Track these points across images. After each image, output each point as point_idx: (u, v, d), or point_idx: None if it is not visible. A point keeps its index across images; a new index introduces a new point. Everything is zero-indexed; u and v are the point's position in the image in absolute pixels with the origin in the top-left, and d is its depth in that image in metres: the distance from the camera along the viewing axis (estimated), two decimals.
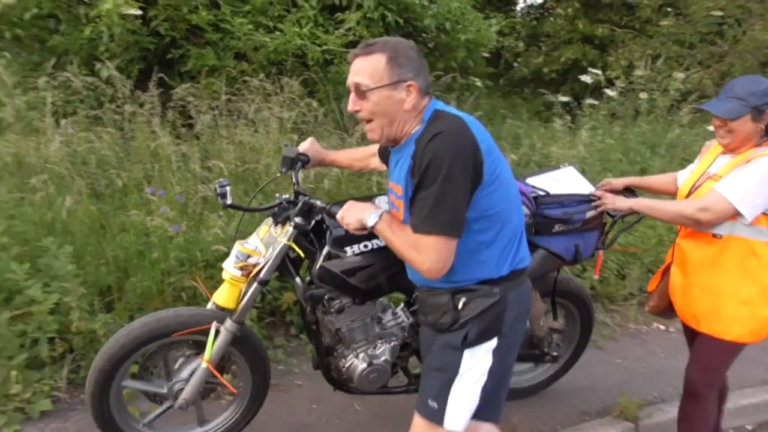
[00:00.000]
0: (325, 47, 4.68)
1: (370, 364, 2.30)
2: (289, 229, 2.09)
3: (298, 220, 2.08)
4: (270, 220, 2.20)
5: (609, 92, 6.13)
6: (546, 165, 4.62)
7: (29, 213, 3.07)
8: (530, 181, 2.50)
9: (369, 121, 1.70)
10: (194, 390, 2.19)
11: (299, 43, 4.60)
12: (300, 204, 2.09)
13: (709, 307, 2.18)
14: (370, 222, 1.71)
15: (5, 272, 2.74)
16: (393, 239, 1.68)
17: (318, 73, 4.67)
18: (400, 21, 5.07)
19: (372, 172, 2.66)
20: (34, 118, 3.82)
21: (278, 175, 2.29)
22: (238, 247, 2.11)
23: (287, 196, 2.20)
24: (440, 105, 1.72)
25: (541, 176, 2.57)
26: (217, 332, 2.13)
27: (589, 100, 5.99)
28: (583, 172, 2.64)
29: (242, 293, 2.15)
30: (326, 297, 2.24)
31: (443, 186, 1.54)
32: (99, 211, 3.30)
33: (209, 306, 2.21)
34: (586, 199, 2.41)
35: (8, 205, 3.07)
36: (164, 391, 2.23)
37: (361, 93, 1.65)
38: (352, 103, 1.70)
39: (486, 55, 6.43)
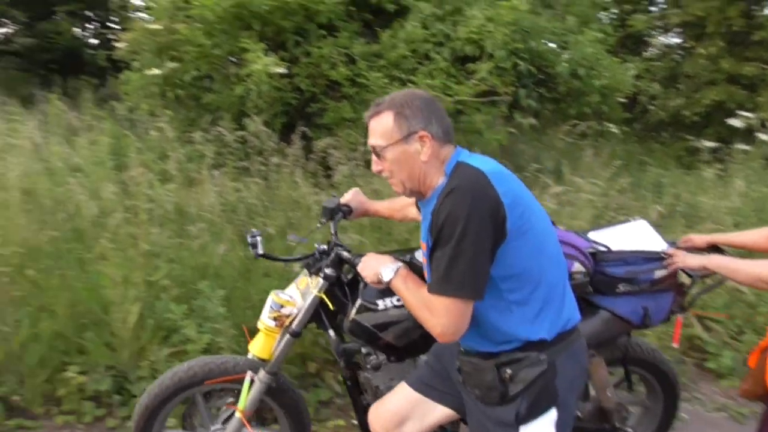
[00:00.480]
0: (456, 98, 4.74)
1: None
2: (320, 280, 2.06)
3: (328, 271, 2.05)
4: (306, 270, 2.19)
5: (762, 136, 5.66)
6: (695, 216, 4.32)
7: (186, 258, 3.33)
8: (592, 235, 2.31)
9: (392, 178, 1.68)
10: None
11: (431, 94, 4.69)
12: (332, 255, 2.07)
13: None
14: (386, 277, 1.69)
15: (165, 312, 2.98)
16: (407, 296, 1.64)
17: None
18: (533, 69, 5.04)
19: (412, 222, 2.63)
20: (192, 169, 4.17)
21: (318, 225, 2.29)
22: (272, 297, 2.10)
23: (323, 246, 2.17)
24: (464, 155, 1.64)
25: (606, 230, 2.37)
26: (252, 382, 2.13)
27: (740, 145, 5.56)
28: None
29: (276, 344, 2.13)
30: (363, 353, 2.16)
31: (458, 246, 1.46)
32: (245, 257, 3.50)
33: (249, 355, 2.19)
34: (655, 257, 2.17)
35: (169, 250, 3.35)
36: None
37: (378, 153, 1.66)
38: (374, 164, 1.70)
39: (622, 99, 6.20)
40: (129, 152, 4.52)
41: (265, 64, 4.50)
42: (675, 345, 2.48)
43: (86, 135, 4.96)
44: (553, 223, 2.26)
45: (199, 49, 5.01)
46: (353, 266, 1.95)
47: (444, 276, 1.49)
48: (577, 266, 2.08)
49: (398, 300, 1.98)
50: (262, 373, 2.13)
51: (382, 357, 2.15)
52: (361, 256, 1.89)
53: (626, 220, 2.45)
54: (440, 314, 1.52)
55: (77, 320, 3.00)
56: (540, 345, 1.58)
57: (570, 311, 1.66)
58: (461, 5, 5.06)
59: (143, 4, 6.82)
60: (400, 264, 1.71)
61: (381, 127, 1.64)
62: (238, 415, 2.13)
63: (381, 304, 2.00)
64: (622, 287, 2.14)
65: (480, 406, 1.68)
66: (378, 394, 2.17)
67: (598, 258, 2.16)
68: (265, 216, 3.80)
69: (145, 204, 3.53)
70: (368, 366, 2.15)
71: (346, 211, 2.25)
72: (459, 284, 1.48)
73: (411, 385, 1.95)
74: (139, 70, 5.43)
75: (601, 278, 2.14)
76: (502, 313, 1.57)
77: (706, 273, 2.13)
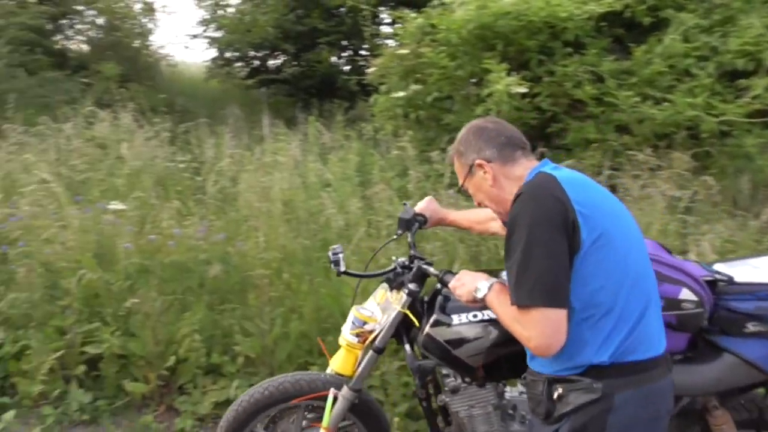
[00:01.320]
0: (722, 118, 4.18)
1: None
2: (403, 295, 2.01)
3: (412, 286, 2.00)
4: (386, 284, 2.14)
5: None
6: None
7: None
8: (718, 267, 1.96)
9: (486, 206, 1.80)
10: None
11: (691, 114, 4.20)
12: (414, 269, 2.02)
13: None
14: (480, 293, 1.66)
15: None
16: (500, 312, 1.60)
17: (713, 145, 4.19)
18: None
19: (494, 237, 2.61)
20: (428, 188, 4.27)
21: (394, 237, 2.24)
22: (354, 313, 2.09)
23: (403, 259, 2.13)
24: (548, 167, 1.64)
25: (736, 263, 1.97)
26: (336, 399, 2.10)
27: None
28: None
29: (359, 360, 2.11)
30: (442, 373, 2.03)
31: (526, 251, 1.42)
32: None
33: (328, 371, 2.18)
34: None
35: None
36: None
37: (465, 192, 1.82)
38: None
39: None
40: (372, 170, 4.81)
41: (506, 84, 4.45)
42: None
43: (336, 153, 5.41)
44: (669, 251, 1.97)
45: (443, 71, 5.15)
46: (444, 284, 1.90)
47: (516, 284, 1.46)
48: (685, 293, 1.78)
49: (474, 316, 1.91)
50: (345, 390, 2.11)
51: (460, 379, 2.02)
52: (450, 273, 1.87)
53: (764, 254, 2.07)
54: (527, 326, 1.46)
55: (321, 324, 3.24)
56: (599, 372, 1.48)
57: (639, 343, 1.50)
58: (734, 13, 4.45)
59: (392, 31, 7.30)
60: (495, 279, 1.69)
61: (456, 169, 1.82)
62: None
63: (456, 319, 1.92)
64: (751, 326, 1.82)
65: (534, 423, 1.63)
66: (458, 422, 2.04)
67: (720, 290, 1.82)
68: (495, 238, 3.72)
69: (385, 220, 3.70)
70: (446, 388, 2.05)
71: (422, 221, 2.19)
72: (530, 291, 1.43)
73: None
74: (386, 93, 5.76)
75: (724, 314, 1.82)
76: (571, 334, 1.47)
77: None
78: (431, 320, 1.97)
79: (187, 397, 3.20)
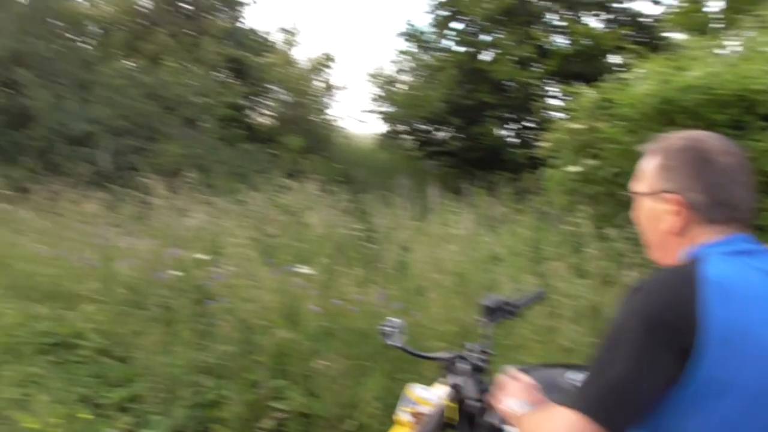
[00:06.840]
0: None
1: None
2: (447, 386, 1.83)
3: (455, 379, 1.79)
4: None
5: None
6: None
7: None
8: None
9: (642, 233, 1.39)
10: None
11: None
12: (465, 364, 1.80)
13: None
14: (517, 408, 1.38)
15: None
16: (530, 422, 1.32)
17: None
18: None
19: None
20: (607, 267, 4.13)
21: (480, 324, 1.96)
22: (405, 390, 1.97)
23: (475, 346, 1.87)
24: (721, 249, 1.17)
25: None
26: None
27: None
28: None
29: None
30: None
31: (604, 353, 1.13)
32: None
33: None
34: None
35: (584, 348, 3.34)
36: None
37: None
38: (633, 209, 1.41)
39: None
40: (544, 245, 4.75)
41: None
42: None
43: (506, 226, 5.43)
44: None
45: (620, 146, 5.03)
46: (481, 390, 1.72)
47: (583, 384, 1.17)
48: None
49: None
50: None
51: None
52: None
53: None
54: (553, 423, 1.19)
55: None
56: None
57: None
58: None
59: (562, 105, 7.30)
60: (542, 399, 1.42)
61: (645, 169, 1.34)
62: None
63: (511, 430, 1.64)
64: None
65: None
66: None
67: None
68: None
69: (562, 298, 3.62)
70: None
71: (511, 311, 1.90)
72: (587, 398, 1.14)
73: None
74: (558, 167, 5.73)
75: None
76: None
77: None
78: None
79: None
